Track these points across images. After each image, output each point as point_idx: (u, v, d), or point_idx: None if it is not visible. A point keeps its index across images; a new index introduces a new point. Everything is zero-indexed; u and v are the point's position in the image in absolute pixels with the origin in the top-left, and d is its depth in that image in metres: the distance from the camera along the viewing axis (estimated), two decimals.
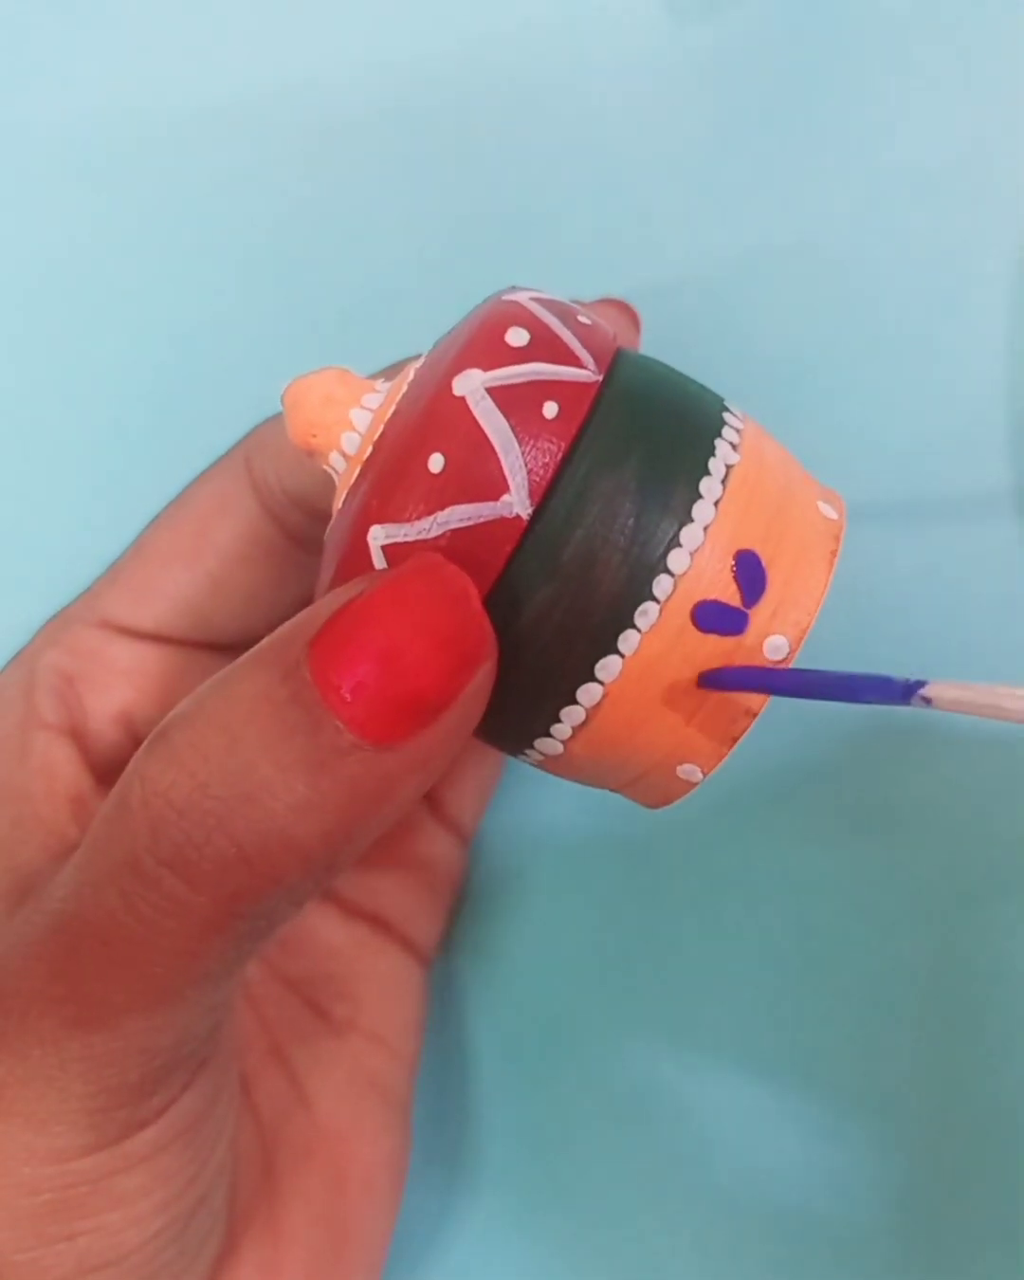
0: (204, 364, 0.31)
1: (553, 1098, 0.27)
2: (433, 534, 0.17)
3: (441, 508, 0.17)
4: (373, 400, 0.19)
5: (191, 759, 0.17)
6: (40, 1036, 0.17)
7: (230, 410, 0.26)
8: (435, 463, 0.17)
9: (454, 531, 0.17)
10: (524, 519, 0.17)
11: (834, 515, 0.19)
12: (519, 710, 0.18)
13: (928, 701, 0.16)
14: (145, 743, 0.18)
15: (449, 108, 0.30)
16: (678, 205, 0.29)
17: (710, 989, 0.27)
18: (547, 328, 0.18)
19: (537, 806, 0.28)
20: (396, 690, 0.17)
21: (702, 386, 0.20)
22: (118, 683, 0.23)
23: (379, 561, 0.18)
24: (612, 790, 0.20)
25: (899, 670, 0.27)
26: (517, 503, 0.17)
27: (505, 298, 0.19)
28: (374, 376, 0.22)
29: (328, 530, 0.19)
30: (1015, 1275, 0.25)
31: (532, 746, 0.19)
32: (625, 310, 0.24)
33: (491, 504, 0.17)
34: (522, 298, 0.19)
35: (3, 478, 0.32)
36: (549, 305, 0.19)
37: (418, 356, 0.20)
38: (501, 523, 0.17)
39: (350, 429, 0.19)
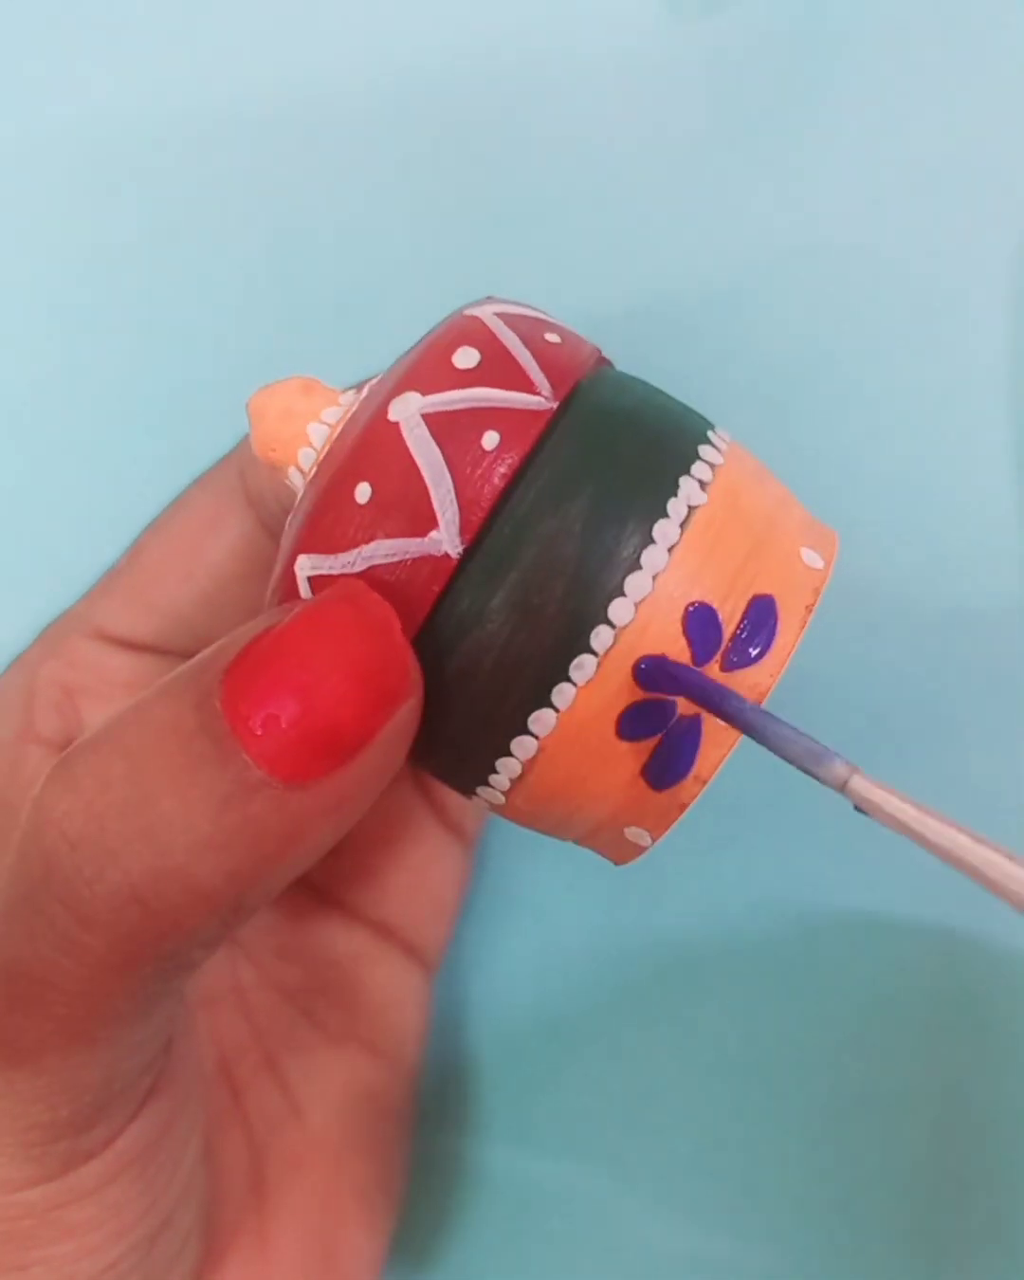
0: (201, 365, 0.31)
1: (553, 1099, 0.27)
2: (356, 568, 0.16)
3: (367, 541, 0.16)
4: (332, 415, 0.18)
5: (90, 787, 0.16)
6: None
7: (227, 412, 0.25)
8: (362, 493, 0.16)
9: (378, 567, 0.16)
10: (454, 558, 0.16)
11: (819, 564, 0.17)
12: (455, 756, 0.17)
13: (859, 808, 0.15)
14: (51, 766, 0.17)
15: (449, 107, 0.30)
16: (677, 203, 0.29)
17: (711, 990, 0.27)
18: (501, 348, 0.17)
19: None
20: (311, 726, 0.16)
21: (685, 413, 0.18)
22: (117, 695, 0.23)
23: (306, 593, 0.17)
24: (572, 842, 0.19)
25: (897, 672, 0.27)
26: (445, 540, 0.16)
27: (468, 312, 0.18)
28: (357, 386, 0.21)
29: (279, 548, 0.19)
30: (1017, 1275, 0.25)
31: (476, 793, 0.18)
32: None
33: (418, 541, 0.16)
34: (485, 312, 0.18)
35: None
36: (514, 320, 0.18)
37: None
38: (429, 561, 0.16)
39: (307, 445, 0.18)
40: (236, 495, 0.23)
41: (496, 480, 0.16)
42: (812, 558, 0.17)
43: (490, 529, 0.16)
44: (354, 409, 0.18)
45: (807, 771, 0.15)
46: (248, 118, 0.31)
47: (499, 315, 0.18)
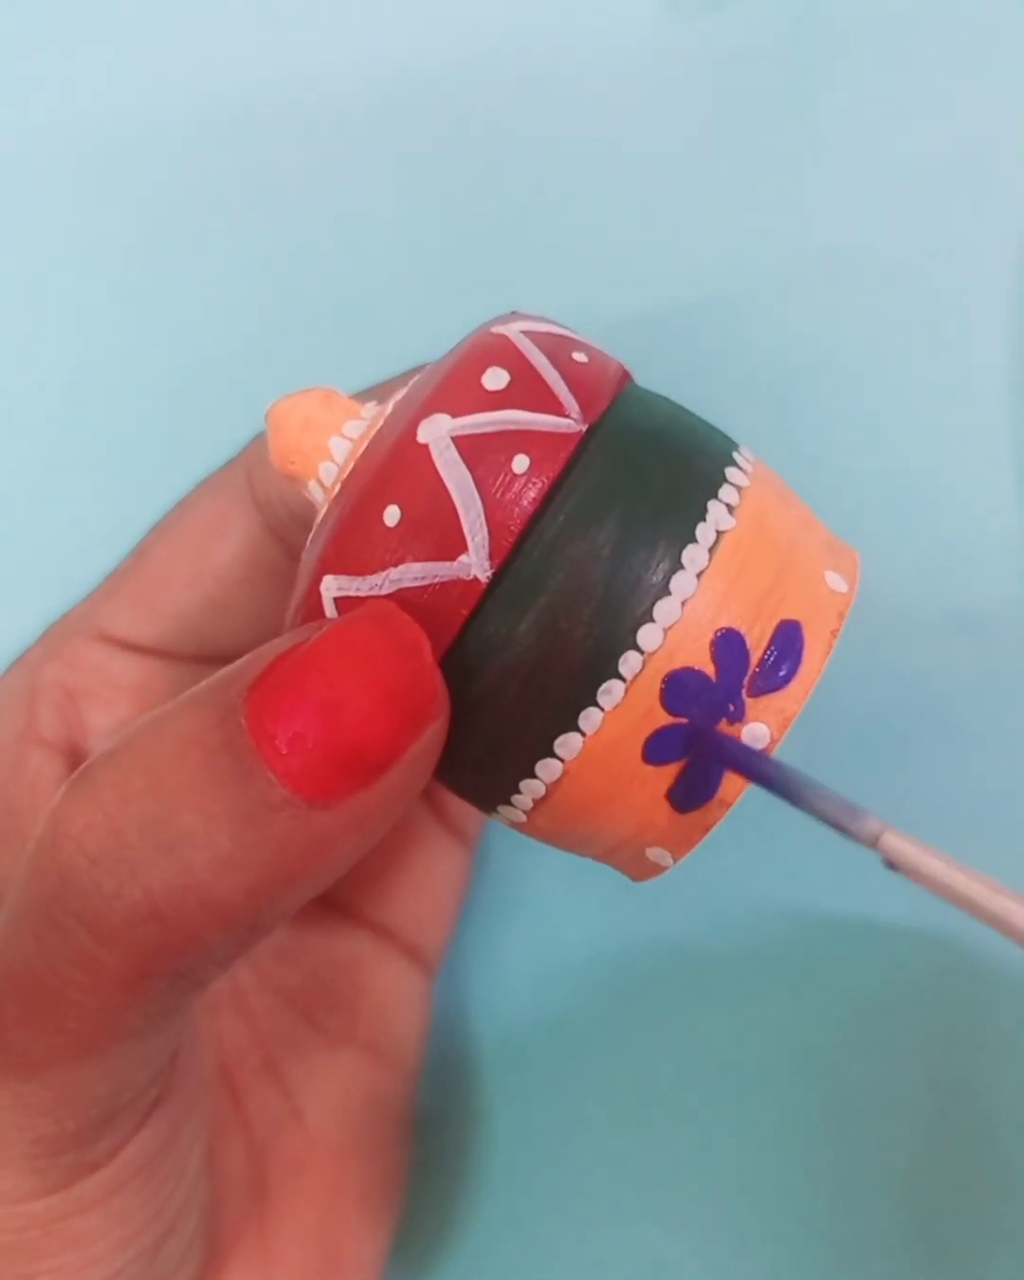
0: (203, 365, 0.30)
1: (554, 1100, 0.27)
2: (384, 591, 0.16)
3: (396, 564, 0.16)
4: (354, 428, 0.18)
5: (110, 800, 0.16)
6: None
7: (230, 412, 0.25)
8: (391, 515, 0.16)
9: (406, 589, 0.16)
10: (483, 582, 0.16)
11: (843, 588, 0.17)
12: (477, 777, 0.17)
13: (890, 864, 0.15)
14: (70, 778, 0.17)
15: (448, 105, 0.30)
16: (677, 202, 0.29)
17: (711, 990, 0.27)
18: (531, 368, 0.17)
19: None
20: (337, 745, 0.15)
21: (711, 433, 0.18)
22: (120, 698, 0.23)
23: (332, 613, 0.17)
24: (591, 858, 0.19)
25: (897, 675, 0.27)
26: (475, 565, 0.16)
27: (495, 329, 0.18)
28: (365, 393, 0.21)
29: (300, 565, 0.19)
30: (1018, 1275, 0.25)
31: (497, 811, 0.18)
32: None
33: (448, 564, 0.16)
34: (512, 330, 0.18)
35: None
36: (542, 339, 0.18)
37: (414, 372, 0.19)
38: (458, 584, 0.16)
39: (328, 459, 0.18)
40: (244, 499, 0.23)
41: (526, 504, 0.16)
42: (836, 581, 0.17)
43: (519, 552, 0.16)
44: (378, 425, 0.18)
45: (840, 829, 0.15)
46: (246, 117, 0.31)
47: (527, 334, 0.18)
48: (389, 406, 0.18)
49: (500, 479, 0.16)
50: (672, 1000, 0.27)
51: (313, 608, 0.17)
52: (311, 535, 0.18)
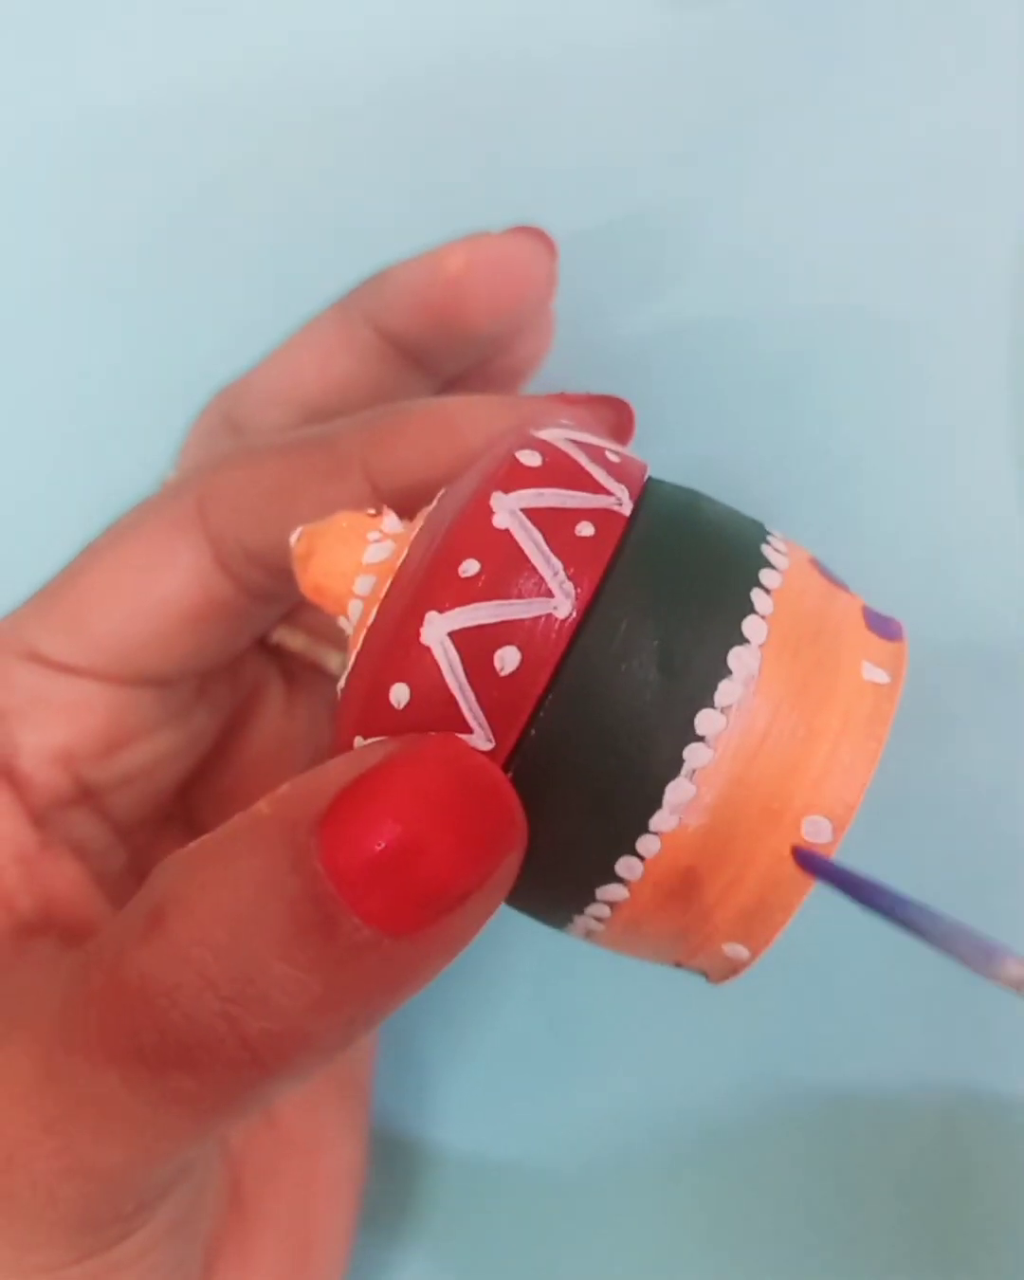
0: (202, 363, 0.29)
1: (553, 1097, 0.27)
2: None
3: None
4: (378, 553, 0.18)
5: (198, 955, 0.16)
6: (32, 1180, 0.17)
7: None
8: (398, 696, 0.16)
9: None
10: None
11: (884, 679, 0.17)
12: (547, 888, 0.17)
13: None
14: (134, 917, 0.17)
15: (446, 95, 0.30)
16: (675, 193, 0.29)
17: (712, 987, 0.27)
18: (519, 551, 0.16)
19: None
20: (419, 887, 0.15)
21: (740, 526, 0.18)
22: (54, 720, 0.22)
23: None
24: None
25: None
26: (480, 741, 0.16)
27: (494, 503, 0.17)
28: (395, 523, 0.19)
29: (339, 686, 0.18)
30: (1019, 1275, 0.25)
31: (572, 922, 0.18)
32: (619, 408, 0.21)
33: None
34: (506, 508, 0.17)
35: None
36: (540, 515, 0.17)
37: (426, 510, 0.19)
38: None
39: (356, 598, 0.18)
40: (193, 529, 0.21)
41: (521, 700, 0.16)
42: (875, 673, 0.17)
43: (526, 739, 0.16)
44: (403, 553, 0.17)
45: (975, 970, 0.15)
46: (245, 114, 0.31)
47: (525, 512, 0.17)
48: (417, 525, 0.18)
49: (488, 675, 0.16)
50: (671, 996, 0.27)
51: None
52: (342, 680, 0.18)
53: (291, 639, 0.26)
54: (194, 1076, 0.16)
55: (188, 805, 0.25)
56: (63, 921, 0.21)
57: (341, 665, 0.18)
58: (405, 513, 0.19)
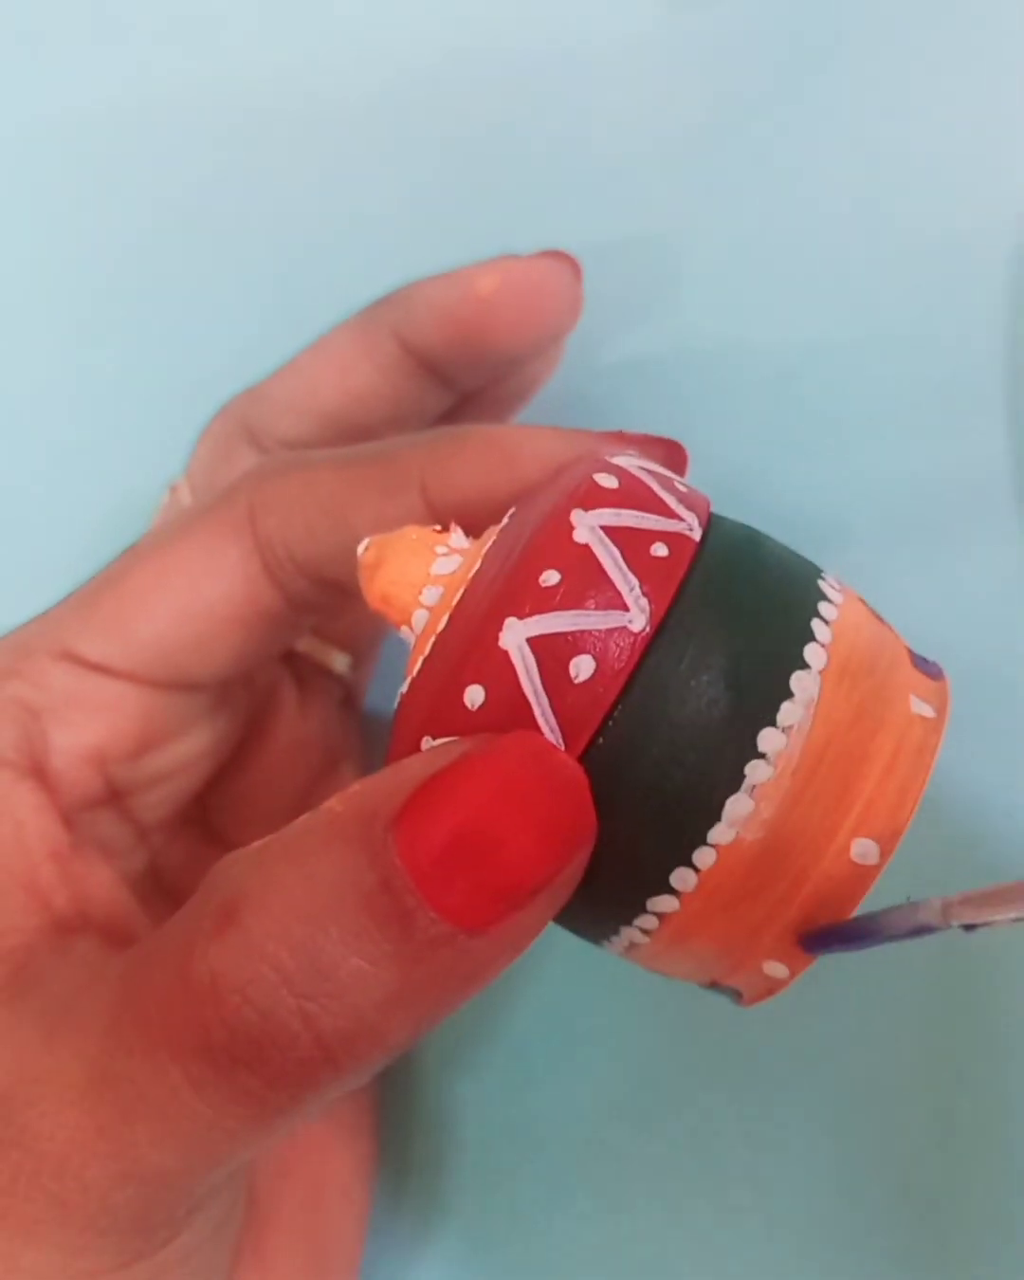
0: (200, 361, 0.29)
1: (553, 1095, 0.27)
2: None
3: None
4: (445, 566, 0.19)
5: (274, 951, 0.16)
6: (84, 1185, 0.17)
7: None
8: (473, 697, 0.17)
9: None
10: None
11: (931, 713, 0.18)
12: (591, 906, 0.18)
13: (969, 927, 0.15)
14: (201, 916, 0.17)
15: (445, 96, 0.29)
16: (673, 193, 0.29)
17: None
18: (597, 568, 0.17)
19: None
20: (496, 881, 0.16)
21: (799, 562, 0.18)
22: (89, 720, 0.22)
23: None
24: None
25: None
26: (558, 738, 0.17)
27: (574, 521, 0.17)
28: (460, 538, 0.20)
29: (401, 697, 0.19)
30: (1019, 1275, 0.25)
31: (616, 935, 0.18)
32: (672, 449, 0.22)
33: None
34: (585, 524, 0.17)
35: None
36: (616, 534, 0.17)
37: (496, 527, 0.19)
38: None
39: (422, 608, 0.19)
40: (243, 536, 0.22)
41: (593, 707, 0.16)
42: (921, 707, 0.18)
43: (594, 746, 0.17)
44: (461, 598, 0.18)
45: (923, 935, 0.16)
46: (244, 114, 0.31)
47: (603, 529, 0.17)
48: (487, 541, 0.18)
49: (563, 683, 0.17)
50: (671, 992, 0.27)
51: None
52: (406, 685, 0.18)
53: (300, 640, 0.26)
54: (262, 1075, 0.16)
55: (204, 807, 0.25)
56: (98, 921, 0.21)
57: (403, 673, 0.19)
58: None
